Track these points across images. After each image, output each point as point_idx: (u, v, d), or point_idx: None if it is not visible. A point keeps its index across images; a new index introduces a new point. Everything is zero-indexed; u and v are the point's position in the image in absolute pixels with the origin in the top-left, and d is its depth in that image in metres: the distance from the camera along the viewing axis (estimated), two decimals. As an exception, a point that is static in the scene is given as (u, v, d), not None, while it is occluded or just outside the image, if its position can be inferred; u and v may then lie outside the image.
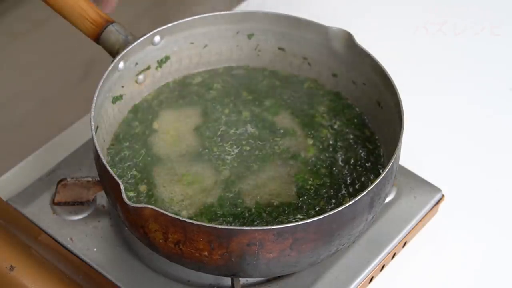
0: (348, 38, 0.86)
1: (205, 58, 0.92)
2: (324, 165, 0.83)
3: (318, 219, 0.70)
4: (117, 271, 0.80)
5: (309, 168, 0.83)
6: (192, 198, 0.80)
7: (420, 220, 0.87)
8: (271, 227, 0.69)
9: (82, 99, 0.94)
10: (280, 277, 0.80)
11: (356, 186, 0.82)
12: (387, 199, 0.87)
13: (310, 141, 0.86)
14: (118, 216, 0.76)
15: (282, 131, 0.87)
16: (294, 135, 0.87)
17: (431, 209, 0.88)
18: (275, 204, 0.80)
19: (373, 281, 0.84)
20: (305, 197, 0.80)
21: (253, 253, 0.71)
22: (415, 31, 1.12)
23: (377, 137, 0.86)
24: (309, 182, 0.82)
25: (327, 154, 0.85)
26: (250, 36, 0.91)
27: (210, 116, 0.88)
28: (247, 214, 0.78)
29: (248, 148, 0.85)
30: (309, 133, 0.87)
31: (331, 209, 0.73)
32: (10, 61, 1.18)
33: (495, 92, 1.06)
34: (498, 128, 1.01)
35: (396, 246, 0.84)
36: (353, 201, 0.71)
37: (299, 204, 0.80)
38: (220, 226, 0.70)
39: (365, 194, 0.72)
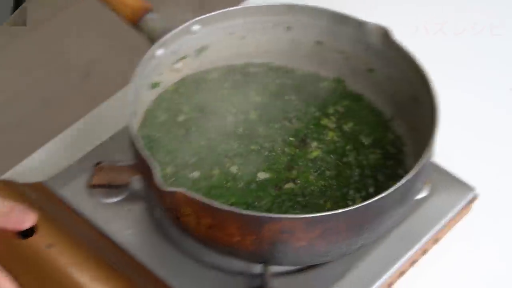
0: (385, 34, 0.86)
1: (243, 49, 0.92)
2: (329, 167, 0.83)
3: (349, 210, 0.70)
4: (149, 254, 0.81)
5: (314, 169, 0.83)
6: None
7: (453, 219, 0.86)
8: (301, 216, 0.70)
9: (83, 99, 0.95)
10: (310, 267, 0.81)
11: (374, 189, 0.81)
12: (419, 196, 0.86)
13: (315, 143, 0.85)
14: (152, 200, 0.77)
15: (293, 131, 0.86)
16: (306, 136, 0.86)
17: (464, 207, 0.87)
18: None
19: (404, 275, 0.84)
20: (309, 197, 0.80)
21: (283, 240, 0.71)
22: (415, 31, 1.11)
23: (401, 140, 0.86)
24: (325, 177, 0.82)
25: (332, 156, 0.84)
26: (288, 28, 0.91)
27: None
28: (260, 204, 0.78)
29: (254, 147, 0.84)
30: (319, 135, 0.86)
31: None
32: (10, 61, 1.18)
33: (495, 92, 1.04)
34: (498, 128, 1.00)
35: (427, 242, 0.84)
36: (384, 194, 0.71)
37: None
38: (251, 213, 0.70)
39: (396, 189, 0.72)
